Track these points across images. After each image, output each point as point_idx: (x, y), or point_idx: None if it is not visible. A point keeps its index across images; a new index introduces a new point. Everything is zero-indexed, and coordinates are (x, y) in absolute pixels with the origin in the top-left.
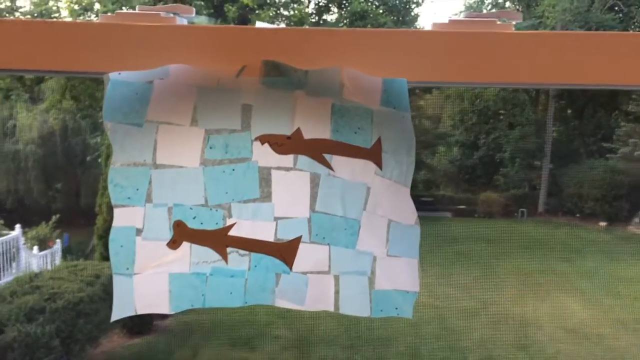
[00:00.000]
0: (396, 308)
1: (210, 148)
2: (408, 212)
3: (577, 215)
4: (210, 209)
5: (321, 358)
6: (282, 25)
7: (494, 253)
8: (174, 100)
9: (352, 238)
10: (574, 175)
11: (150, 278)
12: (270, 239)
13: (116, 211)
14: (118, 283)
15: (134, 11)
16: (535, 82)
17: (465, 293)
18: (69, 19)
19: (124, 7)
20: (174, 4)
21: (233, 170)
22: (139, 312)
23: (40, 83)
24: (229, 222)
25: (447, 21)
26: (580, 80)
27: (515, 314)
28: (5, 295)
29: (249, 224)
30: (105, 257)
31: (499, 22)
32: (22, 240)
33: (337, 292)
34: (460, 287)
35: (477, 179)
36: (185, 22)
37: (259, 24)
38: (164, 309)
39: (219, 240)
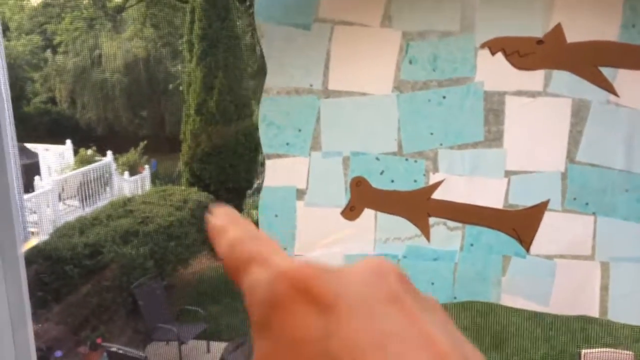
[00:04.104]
0: None
1: (410, 62)
2: None
3: None
4: (407, 160)
5: None
6: None
7: None
8: None
9: (638, 206)
10: None
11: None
12: (498, 205)
13: (270, 163)
14: None
15: None
16: None
17: None
18: None
19: None
20: None
21: (444, 97)
22: None
23: (121, 12)
24: (433, 178)
25: None
26: None
27: None
28: (102, 218)
29: (464, 182)
30: (192, 183)
31: None
32: (114, 166)
33: (605, 289)
34: None
35: None
36: None
37: None
38: None
39: (419, 206)
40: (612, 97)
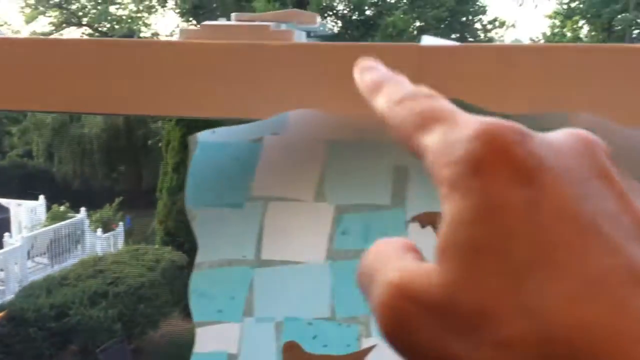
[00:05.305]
0: None
1: (343, 234)
2: None
3: None
4: (339, 324)
5: None
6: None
7: None
8: (293, 164)
9: None
10: None
11: None
12: None
13: (200, 331)
14: None
15: (228, 22)
16: None
17: None
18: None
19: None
20: (290, 10)
21: None
22: None
23: None
24: (365, 343)
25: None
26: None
27: None
28: (71, 278)
29: None
30: (165, 242)
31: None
32: (87, 222)
33: None
34: None
35: None
36: (304, 36)
37: (426, 40)
38: None
39: None
40: None
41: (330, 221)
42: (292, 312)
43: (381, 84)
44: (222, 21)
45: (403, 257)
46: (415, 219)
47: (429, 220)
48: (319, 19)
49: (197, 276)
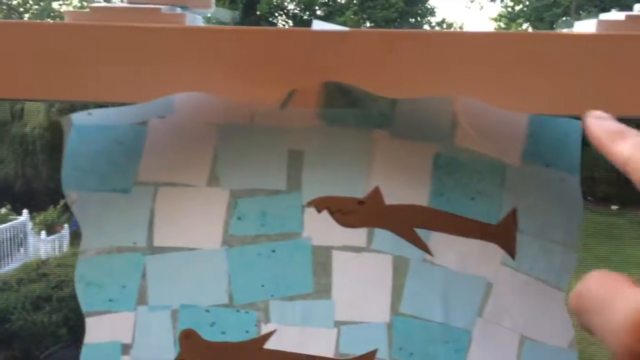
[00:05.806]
0: None
1: (239, 219)
2: (558, 328)
3: (590, 199)
4: (238, 311)
5: None
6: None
7: None
8: (182, 148)
9: (456, 356)
10: (586, 160)
11: None
12: (330, 353)
13: (90, 321)
14: None
15: (118, 4)
16: None
17: None
18: None
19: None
20: None
21: (273, 251)
22: None
23: None
24: (264, 329)
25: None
26: None
27: None
28: (12, 282)
29: (296, 332)
30: None
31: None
32: (30, 225)
33: None
34: None
35: None
36: (200, 20)
37: (317, 25)
38: None
39: (251, 356)
40: (427, 256)
41: (225, 206)
42: (188, 299)
43: (623, 132)
44: (112, 4)
45: (637, 288)
46: (310, 203)
47: (325, 204)
48: (214, 3)
49: (83, 263)
